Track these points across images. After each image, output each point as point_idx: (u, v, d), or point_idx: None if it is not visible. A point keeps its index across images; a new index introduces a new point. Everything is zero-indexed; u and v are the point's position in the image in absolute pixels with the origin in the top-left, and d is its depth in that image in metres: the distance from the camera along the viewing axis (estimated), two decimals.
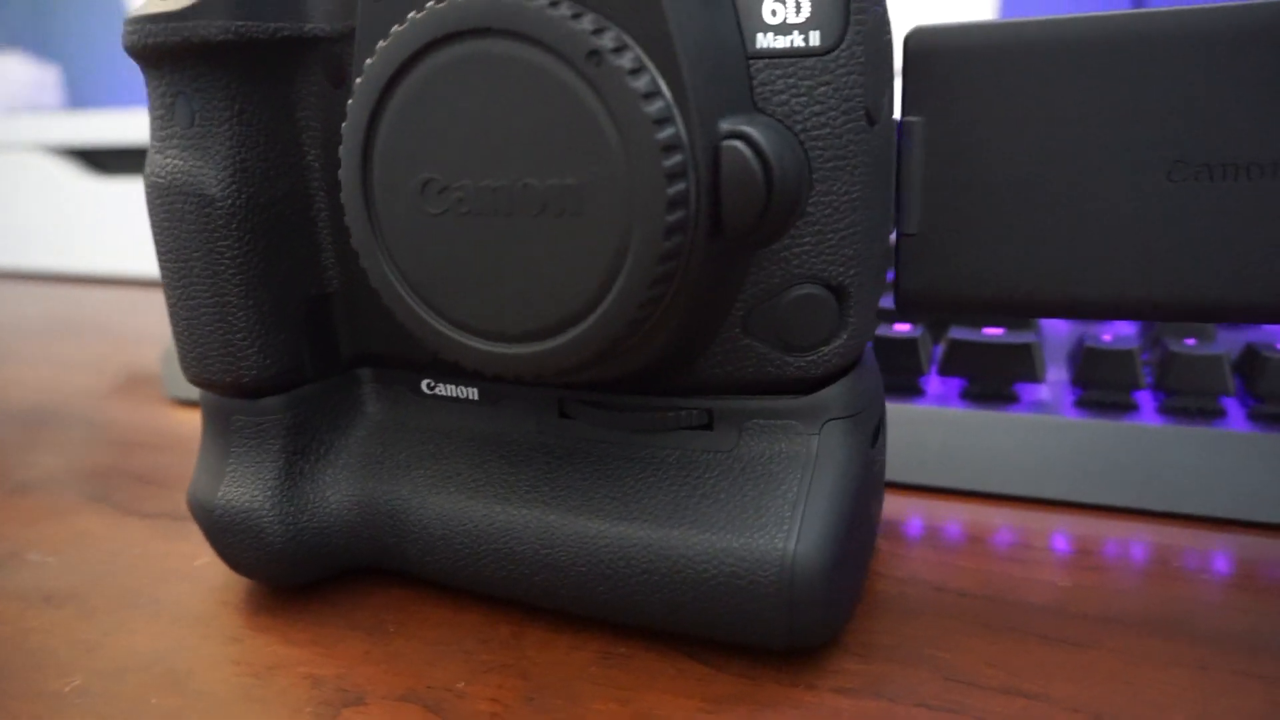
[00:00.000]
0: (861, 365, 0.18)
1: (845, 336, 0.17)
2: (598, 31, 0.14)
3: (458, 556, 0.19)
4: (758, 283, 0.17)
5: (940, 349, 0.26)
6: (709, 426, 0.18)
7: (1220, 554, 0.20)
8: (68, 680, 0.17)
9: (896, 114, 0.18)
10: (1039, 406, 0.24)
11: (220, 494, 0.19)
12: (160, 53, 0.17)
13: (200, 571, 0.21)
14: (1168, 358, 0.23)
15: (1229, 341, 0.26)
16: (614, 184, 0.14)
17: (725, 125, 0.15)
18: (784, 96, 0.15)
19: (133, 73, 0.89)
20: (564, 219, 0.15)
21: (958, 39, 0.18)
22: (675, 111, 0.14)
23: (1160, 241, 0.18)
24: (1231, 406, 0.23)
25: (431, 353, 0.19)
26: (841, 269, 0.16)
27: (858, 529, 0.17)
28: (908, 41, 0.18)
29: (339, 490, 0.20)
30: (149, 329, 0.45)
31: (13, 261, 0.64)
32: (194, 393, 0.33)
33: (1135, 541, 0.21)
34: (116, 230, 0.58)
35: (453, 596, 0.20)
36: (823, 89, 0.15)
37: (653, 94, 0.14)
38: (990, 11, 0.46)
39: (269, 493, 0.19)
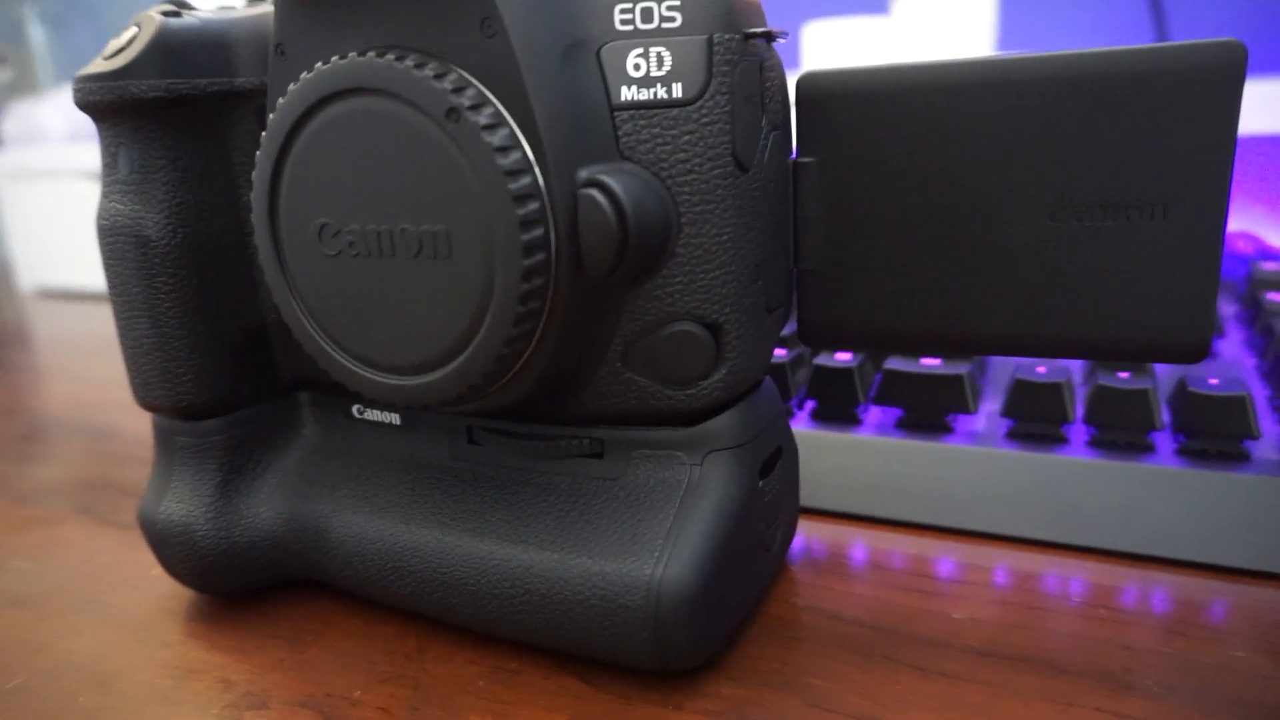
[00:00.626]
0: (753, 398, 0.19)
1: (724, 371, 0.18)
2: (458, 90, 0.15)
3: (368, 572, 0.20)
4: (634, 319, 0.17)
5: (879, 378, 0.26)
6: (600, 455, 0.19)
7: (1129, 590, 0.20)
8: (12, 678, 0.19)
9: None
10: (972, 437, 0.24)
11: (162, 508, 0.21)
12: (101, 108, 0.19)
13: (152, 581, 0.23)
14: (1098, 391, 0.23)
15: (1163, 377, 0.26)
16: (478, 230, 0.15)
17: (584, 174, 0.16)
18: (649, 145, 0.16)
19: None
20: (437, 261, 0.16)
21: (844, 83, 0.19)
22: (533, 163, 0.15)
23: (1044, 280, 0.18)
24: (1161, 442, 0.23)
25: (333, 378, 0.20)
26: (716, 307, 0.17)
27: (737, 558, 0.18)
28: (798, 87, 0.19)
29: (271, 506, 0.21)
30: None
31: (65, 281, 0.68)
32: None
33: (1043, 576, 0.21)
34: None
35: (372, 610, 0.21)
36: (687, 138, 0.16)
37: (508, 147, 0.15)
38: (989, 30, 0.46)
39: (204, 507, 0.20)
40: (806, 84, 0.19)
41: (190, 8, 0.20)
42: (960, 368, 0.24)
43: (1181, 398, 0.22)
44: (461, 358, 0.16)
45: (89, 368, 0.45)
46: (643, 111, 0.16)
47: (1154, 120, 0.17)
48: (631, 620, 0.17)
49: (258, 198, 0.18)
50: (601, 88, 0.16)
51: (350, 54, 0.16)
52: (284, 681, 0.18)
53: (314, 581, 0.21)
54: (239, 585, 0.21)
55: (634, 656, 0.17)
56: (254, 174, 0.18)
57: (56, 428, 0.36)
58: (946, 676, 0.17)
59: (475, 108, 0.15)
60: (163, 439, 0.21)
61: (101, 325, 0.55)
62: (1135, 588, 0.20)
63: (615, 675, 0.18)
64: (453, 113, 0.15)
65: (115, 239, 0.20)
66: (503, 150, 0.15)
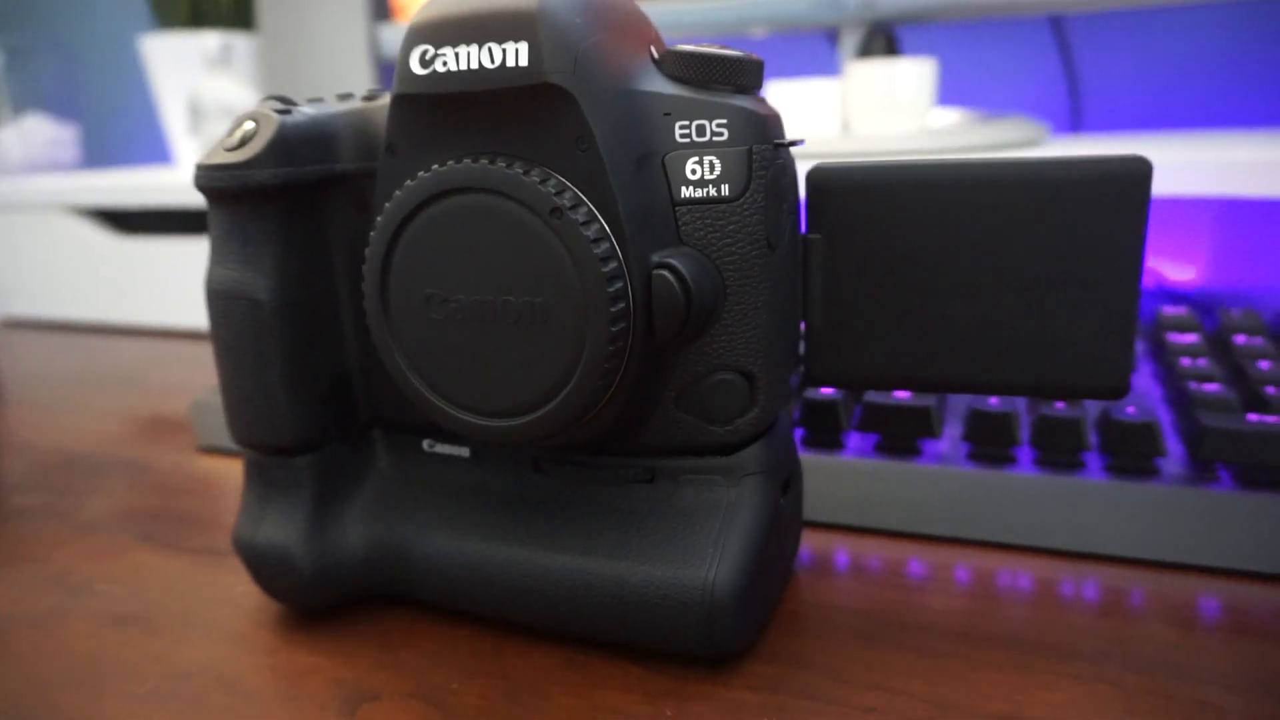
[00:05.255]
0: (774, 432, 0.23)
1: (756, 411, 0.22)
2: (559, 193, 0.19)
3: (453, 585, 0.23)
4: (685, 370, 0.21)
5: (859, 410, 0.31)
6: (651, 480, 0.23)
7: (1068, 582, 0.25)
8: (143, 683, 0.22)
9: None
10: (938, 458, 0.29)
11: (261, 533, 0.24)
12: (224, 193, 0.22)
13: (239, 598, 0.26)
14: (1040, 420, 0.28)
15: (1091, 407, 0.31)
16: (571, 303, 0.19)
17: (655, 257, 0.20)
18: (703, 233, 0.20)
19: (150, 133, 0.95)
20: (534, 327, 0.20)
21: (846, 175, 0.23)
22: (617, 250, 0.19)
23: (1001, 336, 0.23)
24: (1091, 460, 0.28)
25: (431, 420, 0.24)
26: (750, 359, 0.21)
27: (768, 561, 0.22)
28: (808, 177, 0.23)
29: (356, 530, 0.24)
30: (172, 380, 0.50)
31: (34, 311, 0.68)
32: (224, 442, 0.38)
33: (1007, 572, 0.25)
34: (135, 285, 0.63)
35: (447, 617, 0.24)
36: (732, 227, 0.20)
37: (600, 239, 0.19)
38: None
39: (300, 532, 0.24)
40: (816, 175, 0.23)
41: (293, 103, 0.23)
42: (928, 400, 0.29)
43: (1105, 424, 0.27)
44: (552, 404, 0.20)
45: (88, 401, 0.47)
46: (698, 206, 0.20)
47: (1085, 214, 0.22)
48: (689, 615, 0.21)
49: (371, 271, 0.21)
50: (665, 188, 0.20)
51: (463, 158, 0.20)
52: (388, 678, 0.22)
53: (390, 596, 0.25)
54: (328, 601, 0.24)
55: (688, 645, 0.21)
56: (367, 251, 0.21)
57: (84, 462, 0.38)
58: (935, 654, 0.22)
59: (573, 207, 0.19)
60: (258, 472, 0.24)
61: (77, 357, 0.57)
62: (1073, 579, 0.25)
63: (668, 661, 0.22)
64: (555, 211, 0.19)
65: (228, 301, 0.23)
66: (596, 241, 0.19)
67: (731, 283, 0.21)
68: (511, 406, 0.21)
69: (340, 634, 0.24)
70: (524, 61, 0.19)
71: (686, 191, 0.20)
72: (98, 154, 0.95)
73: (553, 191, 0.19)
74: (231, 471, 0.36)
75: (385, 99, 0.23)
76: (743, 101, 0.20)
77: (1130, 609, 0.23)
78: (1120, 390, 0.22)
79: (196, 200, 0.58)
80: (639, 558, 0.22)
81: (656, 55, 0.22)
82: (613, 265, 0.19)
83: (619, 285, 0.19)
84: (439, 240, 0.20)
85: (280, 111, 0.22)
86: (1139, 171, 0.21)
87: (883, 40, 0.49)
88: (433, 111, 0.20)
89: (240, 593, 0.26)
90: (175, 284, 0.61)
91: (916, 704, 0.20)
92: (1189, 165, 0.39)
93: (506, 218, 0.19)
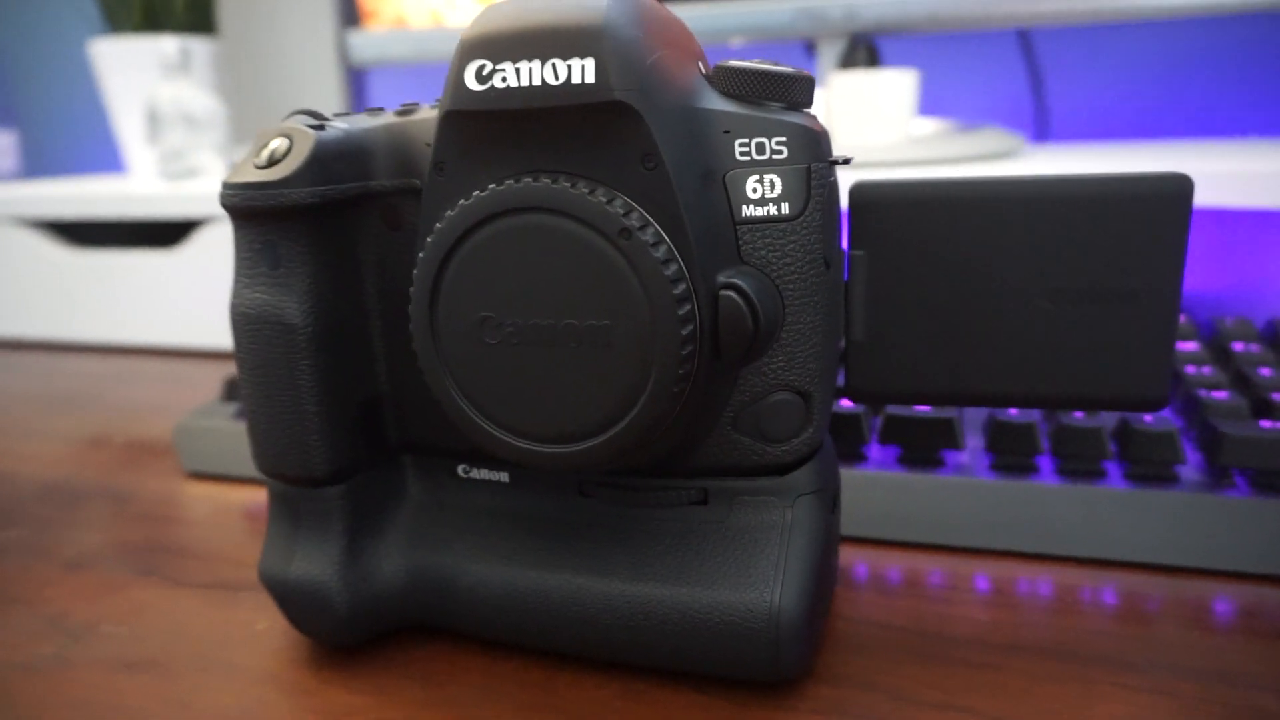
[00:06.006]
0: (824, 449, 0.23)
1: (811, 430, 0.21)
2: (627, 213, 0.18)
3: (499, 615, 0.22)
4: (744, 391, 0.21)
5: (879, 422, 0.31)
6: (704, 502, 0.22)
7: (1105, 589, 0.25)
8: None
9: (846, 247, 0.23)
10: (960, 469, 0.29)
11: (293, 569, 0.23)
12: (256, 212, 0.21)
13: (262, 636, 0.24)
14: (1060, 429, 0.28)
15: (1107, 417, 0.31)
16: (637, 326, 0.19)
17: (721, 278, 0.20)
18: (763, 252, 0.20)
19: (94, 140, 0.91)
20: (597, 350, 0.19)
21: (888, 191, 0.23)
22: (685, 271, 0.19)
23: (1042, 350, 0.23)
24: (1111, 468, 0.28)
25: (475, 446, 0.23)
26: (807, 379, 0.21)
27: (823, 580, 0.22)
28: (852, 193, 0.23)
29: (391, 561, 0.23)
30: (137, 399, 0.48)
31: None
32: (212, 466, 0.36)
33: (1037, 581, 0.26)
34: (88, 300, 0.60)
35: (488, 649, 0.23)
36: (791, 245, 0.20)
37: (669, 260, 0.19)
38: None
39: (334, 566, 0.23)
40: (859, 191, 0.23)
41: (324, 117, 0.22)
42: (950, 412, 0.29)
43: (1125, 433, 0.28)
44: (616, 429, 0.19)
45: (51, 424, 0.44)
46: (759, 225, 0.20)
47: (1128, 230, 0.22)
48: (755, 640, 0.20)
49: (419, 293, 0.20)
50: (727, 207, 0.20)
51: (521, 177, 0.19)
52: (438, 717, 0.21)
53: (426, 628, 0.24)
54: (363, 636, 0.23)
55: (753, 670, 0.21)
56: (416, 272, 0.20)
57: (61, 492, 0.35)
58: (991, 669, 0.22)
59: (642, 228, 0.18)
60: (286, 504, 0.23)
61: (31, 376, 0.54)
62: (1105, 587, 0.25)
63: (727, 686, 0.22)
64: (624, 232, 0.18)
65: (259, 325, 0.22)
66: (665, 263, 0.18)
67: (790, 302, 0.21)
68: (571, 432, 0.20)
69: (378, 670, 0.23)
70: (590, 78, 0.18)
71: (747, 210, 0.20)
72: (36, 162, 0.91)
73: (620, 212, 0.18)
74: (224, 498, 0.34)
75: (421, 114, 0.22)
76: (798, 119, 0.20)
77: (1167, 616, 0.24)
78: (1160, 402, 0.23)
79: (154, 211, 0.55)
80: (699, 582, 0.21)
81: (705, 71, 0.21)
82: (682, 287, 0.19)
83: (688, 308, 0.19)
84: (495, 262, 0.20)
85: (314, 127, 0.21)
86: (1181, 188, 0.22)
87: (865, 51, 0.50)
88: (488, 129, 0.19)
89: (261, 630, 0.25)
90: (130, 299, 0.58)
91: None
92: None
93: (570, 239, 0.19)
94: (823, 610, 0.22)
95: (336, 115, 0.23)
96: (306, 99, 0.60)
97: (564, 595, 0.22)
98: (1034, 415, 0.29)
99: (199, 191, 0.55)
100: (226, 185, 0.21)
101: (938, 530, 0.28)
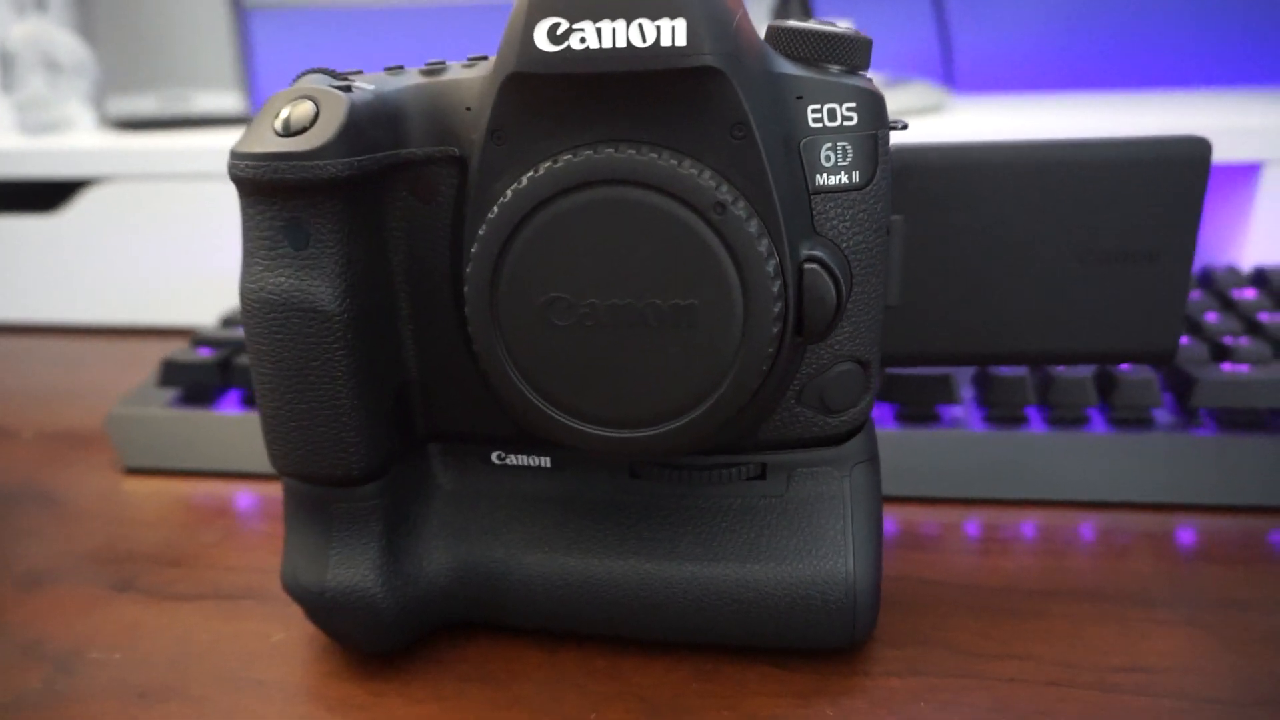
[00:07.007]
0: (869, 418, 0.23)
1: (868, 398, 0.22)
2: (718, 186, 0.18)
3: (562, 605, 0.22)
4: (810, 364, 0.21)
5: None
6: (762, 476, 0.22)
7: (1114, 531, 0.27)
8: None
9: None
10: (955, 423, 0.30)
11: (330, 577, 0.21)
12: (280, 186, 0.19)
13: (283, 648, 0.23)
14: (1046, 380, 0.30)
15: (1089, 368, 0.33)
16: (726, 303, 0.18)
17: (804, 251, 0.19)
18: (835, 221, 0.20)
19: None
20: (679, 330, 0.18)
21: (925, 157, 0.23)
22: (773, 245, 0.18)
23: (1069, 308, 0.24)
24: (1095, 415, 0.30)
25: (532, 432, 0.21)
26: (866, 348, 0.21)
27: (882, 545, 0.22)
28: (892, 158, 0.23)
29: (431, 559, 0.22)
30: (40, 386, 0.42)
31: None
32: (153, 461, 0.33)
33: (1044, 526, 0.27)
34: None
35: (539, 640, 0.23)
36: (862, 214, 0.20)
37: (762, 234, 0.18)
38: None
39: (376, 570, 0.21)
40: (898, 156, 0.23)
41: (344, 76, 0.20)
42: (945, 369, 0.30)
43: (1106, 380, 0.30)
44: (699, 410, 0.19)
45: None
46: (832, 194, 0.20)
47: (1149, 191, 0.23)
48: (832, 609, 0.20)
49: (478, 273, 0.19)
50: (802, 176, 0.19)
51: (600, 148, 0.18)
52: (515, 718, 0.20)
53: (472, 624, 0.23)
54: (407, 641, 0.22)
55: (828, 639, 0.21)
56: (474, 250, 0.19)
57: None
58: (1037, 615, 0.23)
59: (734, 202, 0.18)
60: (315, 507, 0.21)
61: None
62: (1112, 529, 0.27)
63: (797, 658, 0.22)
64: (718, 206, 0.18)
65: (285, 313, 0.19)
66: (759, 237, 0.18)
67: (858, 271, 0.20)
68: (647, 416, 0.19)
69: (432, 674, 0.21)
70: (681, 41, 0.17)
71: (822, 179, 0.19)
72: None
73: (713, 185, 0.18)
74: (175, 494, 0.31)
75: (454, 73, 0.20)
76: (864, 84, 0.20)
77: (1173, 551, 0.26)
78: (1172, 354, 0.24)
79: (19, 171, 0.49)
80: (770, 557, 0.21)
81: (760, 33, 0.20)
82: (774, 262, 0.18)
83: (779, 283, 0.18)
84: (568, 238, 0.18)
85: (340, 88, 0.19)
86: (1199, 152, 0.23)
87: (799, 2, 0.49)
88: (557, 94, 0.18)
89: (280, 641, 0.23)
90: (3, 270, 0.51)
91: (1048, 667, 0.21)
92: (1065, 129, 0.42)
93: (656, 213, 0.18)
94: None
95: (352, 74, 0.21)
96: (186, 44, 0.54)
97: (633, 581, 0.21)
98: (1022, 369, 0.30)
99: (75, 147, 0.49)
100: (240, 156, 0.19)
101: (937, 483, 0.29)
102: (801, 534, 0.21)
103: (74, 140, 0.51)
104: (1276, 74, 0.60)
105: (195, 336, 0.35)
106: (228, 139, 0.50)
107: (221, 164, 0.48)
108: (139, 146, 0.48)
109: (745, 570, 0.21)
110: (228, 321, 0.38)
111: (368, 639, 0.21)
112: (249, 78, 0.55)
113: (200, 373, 0.33)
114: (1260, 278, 0.36)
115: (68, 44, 0.52)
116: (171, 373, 0.33)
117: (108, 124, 0.54)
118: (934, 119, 0.49)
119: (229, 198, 0.49)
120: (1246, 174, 0.40)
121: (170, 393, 0.34)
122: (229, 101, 0.54)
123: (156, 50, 0.54)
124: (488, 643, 0.22)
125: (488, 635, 0.23)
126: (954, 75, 0.64)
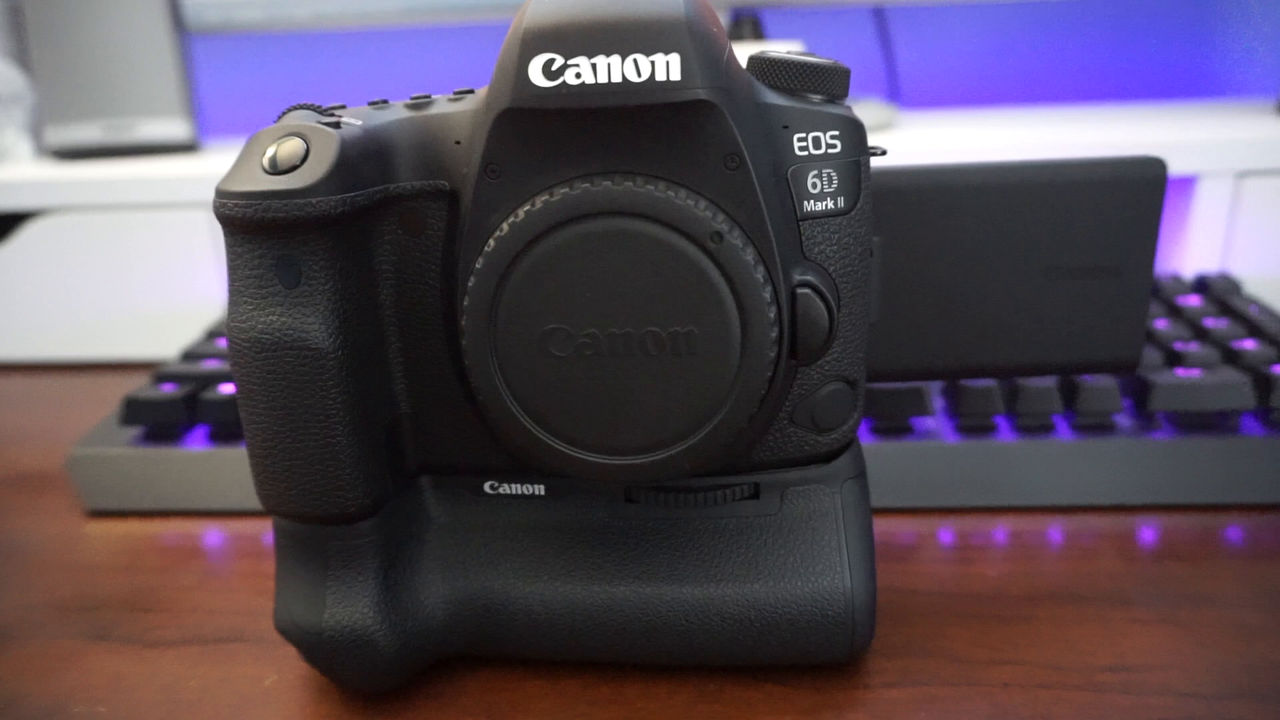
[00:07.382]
0: (855, 435, 0.23)
1: (856, 416, 0.22)
2: (714, 215, 0.18)
3: (563, 634, 0.22)
4: (801, 385, 0.21)
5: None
6: (756, 496, 0.22)
7: (1083, 534, 0.28)
8: None
9: None
10: (928, 434, 0.31)
11: (327, 616, 0.20)
12: (271, 224, 0.18)
13: (278, 692, 0.22)
14: (1014, 389, 0.31)
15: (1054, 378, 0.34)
16: (725, 330, 0.18)
17: (795, 276, 0.19)
18: (822, 246, 0.20)
19: None
20: (679, 358, 0.19)
21: (904, 179, 0.24)
22: (768, 272, 0.19)
23: (1037, 322, 0.25)
24: (1060, 423, 0.31)
25: (529, 462, 0.21)
26: (853, 367, 0.22)
27: (874, 557, 0.23)
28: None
29: (429, 592, 0.22)
30: (6, 425, 0.41)
31: None
32: (117, 502, 0.32)
33: (1016, 531, 0.28)
34: None
35: (540, 669, 0.22)
36: (847, 238, 0.20)
37: (758, 262, 0.18)
38: None
39: (375, 608, 0.21)
40: (878, 180, 0.24)
41: (328, 111, 0.20)
42: (918, 382, 0.31)
43: (1070, 388, 0.31)
44: (699, 435, 0.19)
45: None
46: (819, 220, 0.20)
47: (1109, 208, 0.24)
48: (833, 625, 0.21)
49: (476, 306, 0.19)
50: (791, 203, 0.20)
51: (597, 180, 0.18)
52: None
53: (462, 657, 0.22)
54: (406, 677, 0.22)
55: (828, 654, 0.21)
56: (471, 284, 0.19)
57: None
58: (1021, 619, 0.24)
59: (731, 230, 0.18)
60: (309, 546, 0.21)
61: None
62: (1080, 532, 0.28)
63: (797, 674, 0.22)
64: (715, 235, 0.18)
65: (278, 353, 0.19)
66: (755, 264, 0.18)
67: (845, 294, 0.21)
68: (647, 442, 0.19)
69: (432, 711, 0.21)
70: (676, 75, 0.17)
71: (809, 205, 0.20)
72: None
73: (709, 215, 0.18)
74: (143, 536, 0.30)
75: (440, 107, 0.20)
76: (844, 112, 0.20)
77: (1140, 551, 0.27)
78: (1135, 363, 0.25)
79: None
80: (769, 576, 0.21)
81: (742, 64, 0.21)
82: (770, 289, 0.18)
83: (775, 309, 0.19)
84: (565, 270, 0.18)
85: (328, 124, 0.19)
86: (1155, 172, 0.24)
87: (750, 24, 0.50)
88: (552, 128, 0.18)
89: (274, 684, 0.22)
90: None
91: (1039, 671, 0.22)
92: (1013, 145, 0.44)
93: (652, 243, 0.18)
94: None
95: (336, 109, 0.20)
96: (128, 70, 0.53)
97: (633, 605, 0.21)
98: (991, 380, 0.31)
99: (15, 178, 0.47)
100: (228, 195, 0.18)
101: (913, 493, 0.30)
102: (798, 551, 0.22)
103: (13, 172, 0.49)
104: (1214, 87, 0.63)
105: (158, 372, 0.35)
106: (174, 167, 0.49)
107: (170, 192, 0.47)
108: (83, 176, 0.47)
109: (744, 590, 0.21)
110: (189, 355, 0.37)
111: (367, 678, 0.21)
112: (194, 103, 0.54)
113: (165, 410, 0.32)
114: (1202, 285, 0.38)
115: (2, 72, 0.50)
116: (135, 410, 0.33)
117: (46, 154, 0.52)
118: (884, 135, 0.50)
119: (180, 226, 0.48)
120: (1183, 186, 0.42)
121: (133, 431, 0.33)
122: (174, 128, 0.53)
123: (97, 77, 0.52)
124: (488, 675, 0.22)
125: (487, 667, 0.23)
126: (899, 92, 0.66)
